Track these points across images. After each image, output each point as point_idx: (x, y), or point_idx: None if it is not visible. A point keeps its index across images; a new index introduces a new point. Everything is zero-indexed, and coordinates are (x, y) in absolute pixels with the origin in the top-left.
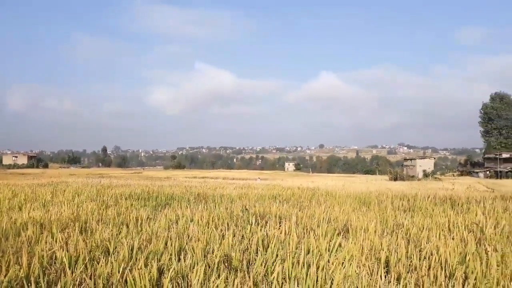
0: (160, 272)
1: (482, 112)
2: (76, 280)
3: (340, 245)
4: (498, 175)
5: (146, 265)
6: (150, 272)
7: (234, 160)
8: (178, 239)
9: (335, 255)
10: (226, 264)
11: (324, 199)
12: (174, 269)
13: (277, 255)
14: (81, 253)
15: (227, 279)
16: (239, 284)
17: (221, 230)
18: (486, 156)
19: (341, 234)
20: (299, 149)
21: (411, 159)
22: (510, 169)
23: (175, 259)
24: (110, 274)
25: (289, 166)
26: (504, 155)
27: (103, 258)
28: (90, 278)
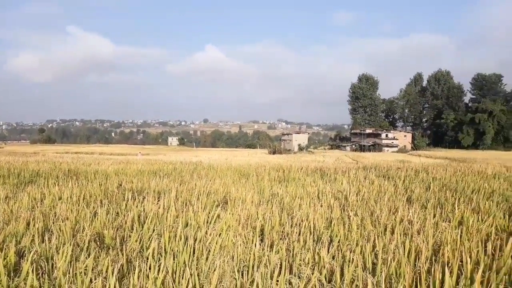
0: (20, 255)
1: (351, 91)
2: None
3: (218, 216)
4: (362, 148)
5: (1, 249)
6: (7, 256)
7: (113, 134)
8: (44, 219)
9: (213, 227)
10: (98, 243)
11: (205, 172)
12: (36, 251)
13: (154, 230)
14: None
15: (98, 258)
16: (110, 262)
17: (94, 207)
18: (352, 131)
19: (220, 206)
20: (183, 123)
21: (288, 134)
22: (372, 143)
23: (38, 240)
24: None
25: (173, 140)
26: (368, 131)
27: None
28: None
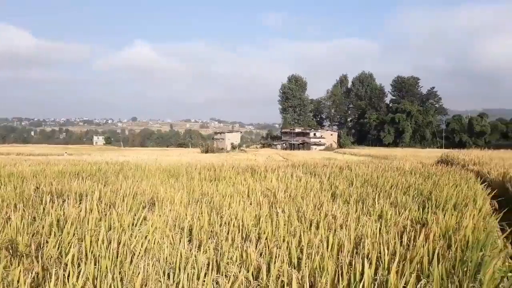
0: None
1: (281, 91)
2: None
3: (145, 218)
4: (292, 147)
5: None
6: None
7: (32, 133)
8: None
9: (139, 229)
10: (10, 250)
11: (132, 173)
12: None
13: (74, 235)
14: None
15: (9, 267)
16: (23, 270)
17: (7, 212)
18: (283, 130)
19: (147, 207)
20: (110, 121)
21: (221, 133)
22: (301, 142)
23: None
24: None
25: (98, 140)
26: (297, 130)
27: None
28: None
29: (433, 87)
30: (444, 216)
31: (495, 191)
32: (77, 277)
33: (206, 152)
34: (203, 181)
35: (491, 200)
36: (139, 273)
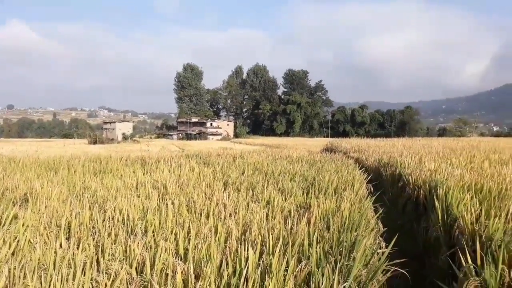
0: None
1: (176, 80)
2: None
3: (16, 217)
4: (189, 137)
5: None
6: None
7: None
8: None
9: (8, 229)
10: None
11: (3, 166)
12: None
13: None
14: None
15: None
16: None
17: None
18: (179, 120)
19: (19, 204)
20: None
21: (111, 123)
22: (198, 132)
23: None
24: None
25: None
26: (194, 120)
27: None
28: None
29: (321, 80)
30: (325, 200)
31: (371, 176)
32: None
33: (95, 143)
34: (87, 174)
35: (367, 184)
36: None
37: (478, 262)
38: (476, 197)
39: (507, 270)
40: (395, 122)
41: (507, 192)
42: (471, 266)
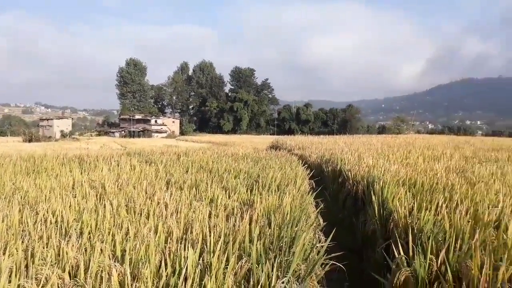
0: None
1: (119, 75)
2: None
3: None
4: (132, 134)
5: None
6: None
7: None
8: None
9: None
10: None
11: None
12: None
13: None
14: None
15: None
16: None
17: None
18: (122, 117)
19: None
20: None
21: (48, 119)
22: (142, 129)
23: None
24: None
25: None
26: (137, 117)
27: None
28: None
29: (267, 79)
30: (268, 197)
31: (313, 172)
32: None
33: (30, 141)
34: (18, 174)
35: (309, 180)
36: None
37: (410, 253)
38: (410, 192)
39: (435, 260)
40: (338, 120)
41: (437, 186)
42: (403, 258)
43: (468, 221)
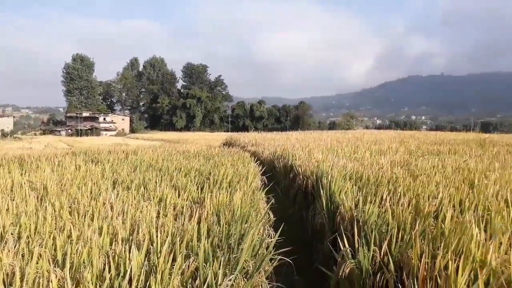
0: None
1: (65, 71)
2: None
3: None
4: (79, 132)
5: None
6: None
7: None
8: None
9: None
10: None
11: None
12: None
13: None
14: None
15: None
16: None
17: None
18: (68, 115)
19: None
20: None
21: None
22: (89, 127)
23: None
24: None
25: None
26: (85, 114)
27: None
28: None
29: (220, 75)
30: (219, 194)
31: (265, 168)
32: None
33: None
34: None
35: (262, 176)
36: None
37: (356, 245)
38: (356, 185)
39: (378, 251)
40: (290, 117)
41: (382, 179)
42: (348, 250)
43: (410, 213)
